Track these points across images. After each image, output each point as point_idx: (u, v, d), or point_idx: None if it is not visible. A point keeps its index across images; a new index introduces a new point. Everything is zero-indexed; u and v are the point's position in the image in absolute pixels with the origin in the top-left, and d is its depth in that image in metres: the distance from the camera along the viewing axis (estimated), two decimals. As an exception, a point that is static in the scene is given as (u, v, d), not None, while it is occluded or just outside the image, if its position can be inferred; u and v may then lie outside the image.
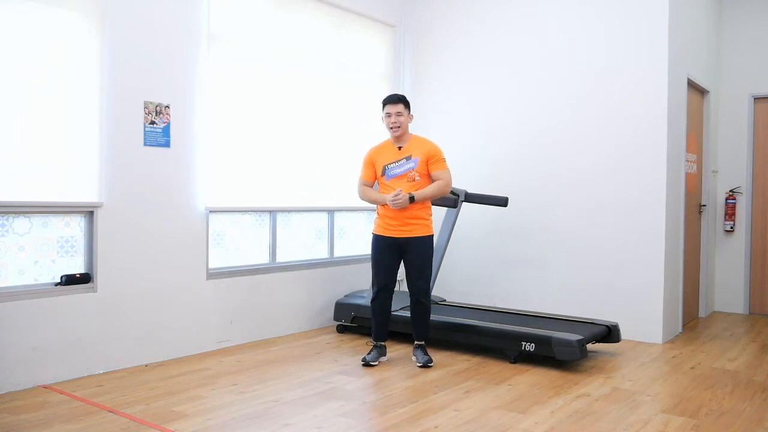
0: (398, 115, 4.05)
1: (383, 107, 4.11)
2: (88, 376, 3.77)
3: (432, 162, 4.06)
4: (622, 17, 4.96)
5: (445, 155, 4.16)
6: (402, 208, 3.96)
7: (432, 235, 4.12)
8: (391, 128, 4.07)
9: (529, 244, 5.41)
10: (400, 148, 4.09)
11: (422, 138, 4.20)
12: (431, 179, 4.08)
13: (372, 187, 4.18)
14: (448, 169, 4.10)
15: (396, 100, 4.08)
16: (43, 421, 3.02)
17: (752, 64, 6.17)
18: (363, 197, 4.16)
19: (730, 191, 6.23)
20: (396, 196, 3.89)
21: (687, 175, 5.48)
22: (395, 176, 4.04)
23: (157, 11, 4.09)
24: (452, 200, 4.71)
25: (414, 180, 4.02)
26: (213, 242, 4.54)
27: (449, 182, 4.07)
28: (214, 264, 4.54)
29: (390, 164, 4.05)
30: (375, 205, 4.24)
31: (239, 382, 3.70)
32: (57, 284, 3.70)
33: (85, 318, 3.77)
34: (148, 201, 4.08)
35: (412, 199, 3.93)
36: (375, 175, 4.14)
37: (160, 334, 4.15)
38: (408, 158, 4.04)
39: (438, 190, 4.02)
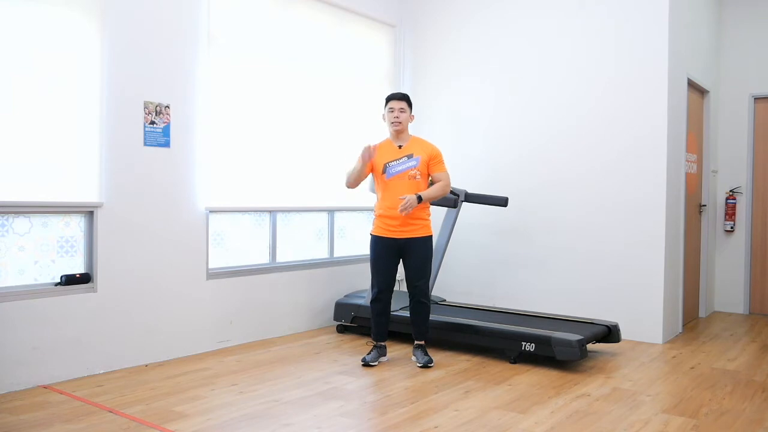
0: (401, 111, 4.09)
1: (386, 103, 4.15)
2: (88, 376, 3.78)
3: (433, 163, 4.09)
4: (622, 18, 4.96)
5: (445, 156, 4.18)
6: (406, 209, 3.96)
7: (431, 236, 4.14)
8: (392, 123, 4.09)
9: (529, 244, 5.41)
10: (400, 146, 4.10)
11: (422, 139, 4.23)
12: (429, 179, 4.10)
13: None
14: (447, 170, 4.15)
15: (400, 97, 4.14)
16: (43, 421, 3.02)
17: (752, 64, 6.17)
18: (347, 179, 4.11)
19: (730, 191, 6.23)
20: (404, 202, 3.86)
21: (687, 175, 5.48)
22: (396, 174, 4.03)
23: (157, 11, 4.09)
24: (452, 200, 4.71)
25: (415, 179, 4.03)
26: (213, 242, 4.54)
27: (449, 183, 4.13)
28: (214, 264, 4.54)
29: (391, 162, 4.05)
30: (374, 206, 4.23)
31: (239, 382, 3.71)
32: (57, 284, 3.70)
33: (85, 318, 3.77)
34: (148, 201, 4.08)
35: (419, 199, 3.92)
36: (369, 170, 4.13)
37: (160, 334, 4.15)
38: (409, 156, 4.05)
39: (441, 191, 4.06)
